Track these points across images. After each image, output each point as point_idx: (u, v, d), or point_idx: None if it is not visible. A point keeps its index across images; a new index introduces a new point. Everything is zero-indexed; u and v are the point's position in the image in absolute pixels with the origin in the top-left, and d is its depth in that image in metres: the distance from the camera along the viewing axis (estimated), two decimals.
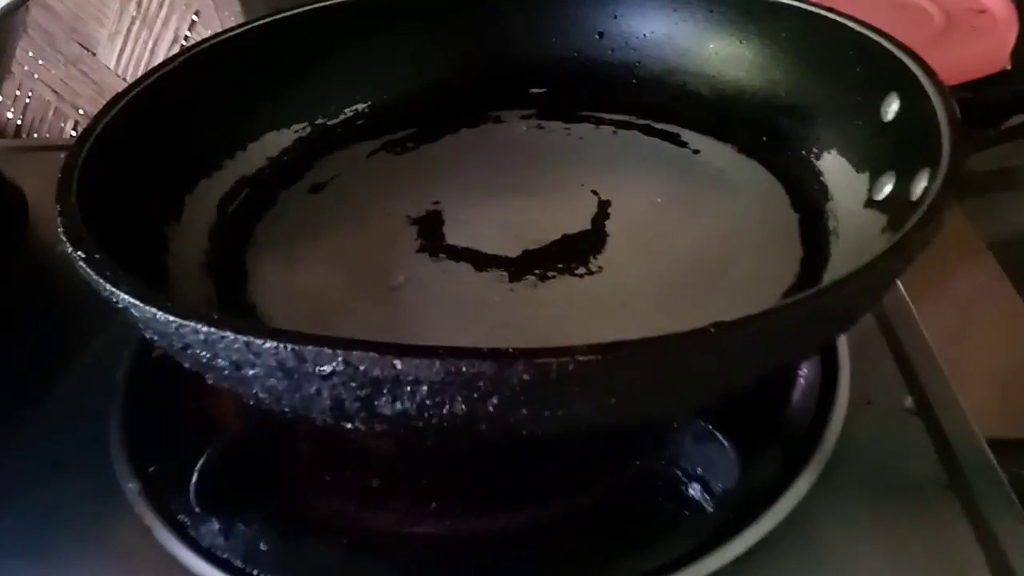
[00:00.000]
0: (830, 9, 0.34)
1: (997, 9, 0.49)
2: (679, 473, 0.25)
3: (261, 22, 0.37)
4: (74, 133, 0.74)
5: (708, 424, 0.23)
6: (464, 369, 0.17)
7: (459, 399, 0.18)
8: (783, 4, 0.36)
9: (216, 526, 0.25)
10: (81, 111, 0.72)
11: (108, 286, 0.20)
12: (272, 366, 0.18)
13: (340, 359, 0.17)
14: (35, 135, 0.75)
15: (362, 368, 0.17)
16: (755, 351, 0.19)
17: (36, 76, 0.71)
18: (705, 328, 0.18)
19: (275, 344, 0.18)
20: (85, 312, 0.35)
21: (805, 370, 0.29)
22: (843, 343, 0.30)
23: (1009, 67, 0.47)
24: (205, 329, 0.18)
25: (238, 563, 0.24)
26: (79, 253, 0.21)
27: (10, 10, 0.34)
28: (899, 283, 0.35)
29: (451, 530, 0.25)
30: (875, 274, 0.19)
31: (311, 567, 0.24)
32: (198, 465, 0.23)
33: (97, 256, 0.21)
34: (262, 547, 0.24)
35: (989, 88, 0.27)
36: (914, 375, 0.29)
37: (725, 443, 0.23)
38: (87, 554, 0.26)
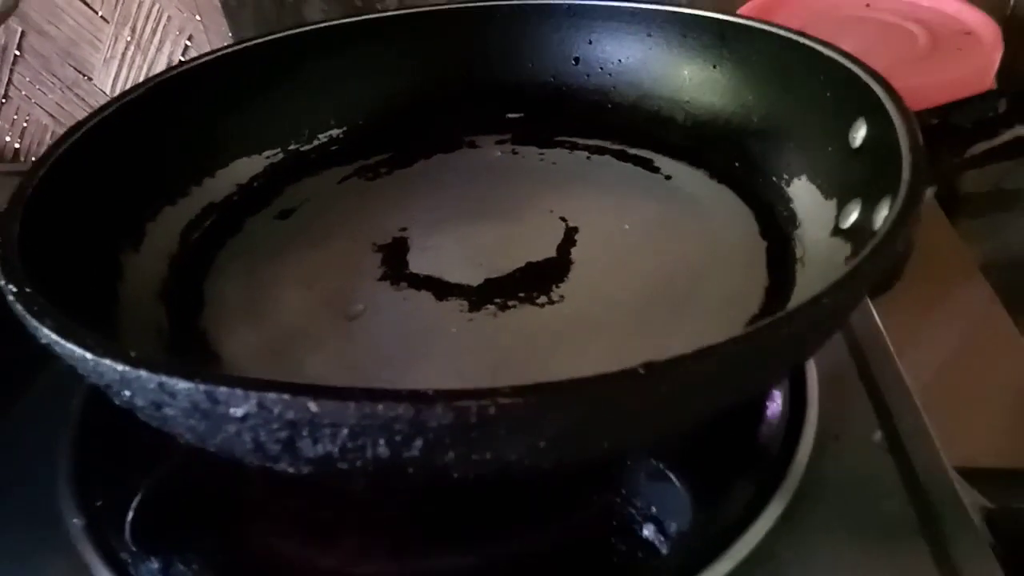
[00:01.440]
0: (801, 33, 0.33)
1: (982, 30, 0.48)
2: (634, 512, 0.24)
3: (233, 48, 0.37)
4: None
5: (660, 463, 0.23)
6: (381, 411, 0.16)
7: (381, 442, 0.17)
8: (755, 28, 0.35)
9: (156, 565, 0.24)
10: None
11: (32, 320, 0.20)
12: (187, 407, 0.18)
13: (253, 401, 0.17)
14: (33, 158, 0.75)
15: (276, 411, 0.17)
16: (692, 391, 0.18)
17: (33, 100, 0.71)
18: (634, 369, 0.17)
19: (188, 384, 0.17)
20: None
21: (774, 403, 0.28)
22: (813, 375, 0.29)
23: (995, 87, 0.46)
24: (121, 368, 0.18)
25: None
26: (9, 287, 0.21)
27: None
28: (874, 312, 0.34)
29: (400, 571, 0.24)
30: (822, 309, 0.18)
31: None
32: (133, 502, 0.23)
33: (27, 290, 0.21)
34: None
35: (956, 113, 0.26)
36: (886, 408, 0.28)
37: (676, 483, 0.22)
38: None
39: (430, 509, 0.25)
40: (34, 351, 0.34)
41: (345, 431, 0.17)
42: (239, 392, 0.17)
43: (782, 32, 0.34)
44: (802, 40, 0.33)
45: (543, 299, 0.30)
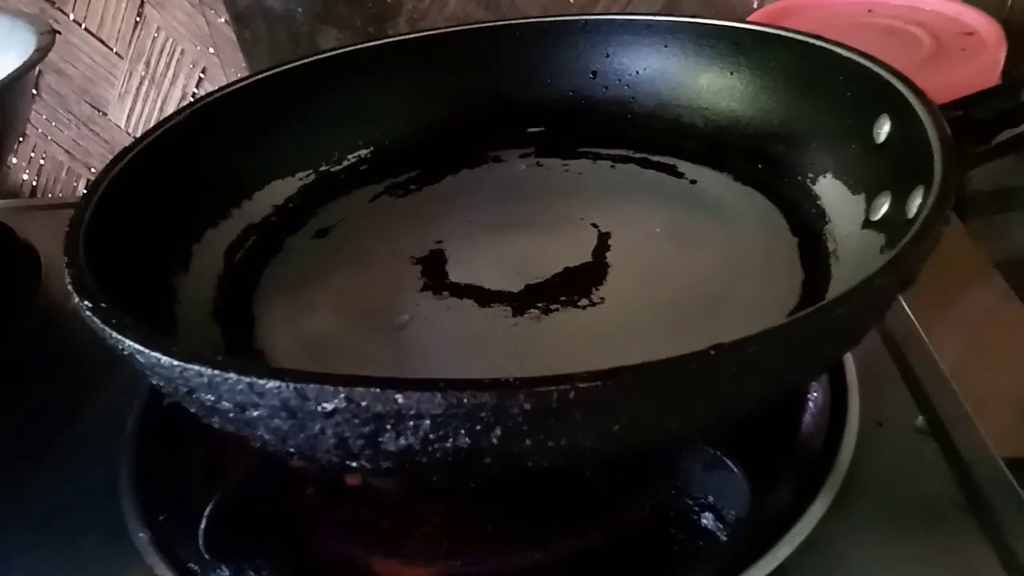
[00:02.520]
0: (816, 36, 0.35)
1: (985, 30, 0.49)
2: (691, 503, 0.25)
3: (263, 75, 0.38)
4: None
5: (717, 451, 0.23)
6: (465, 401, 0.17)
7: (462, 431, 0.18)
8: (770, 34, 0.37)
9: (226, 573, 0.24)
10: (93, 170, 0.74)
11: (113, 333, 0.20)
12: (276, 406, 0.18)
13: (342, 395, 0.17)
14: (49, 195, 0.77)
15: (364, 404, 0.17)
16: (755, 373, 0.19)
17: (49, 137, 0.73)
18: (705, 351, 0.18)
19: (278, 383, 0.18)
20: (95, 364, 0.36)
21: (815, 394, 0.29)
22: (851, 366, 0.30)
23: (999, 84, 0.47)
24: (208, 372, 0.18)
25: None
26: (85, 302, 0.22)
27: (21, 74, 0.35)
28: (905, 304, 0.34)
29: (463, 571, 0.25)
30: (873, 290, 0.19)
31: None
32: (206, 511, 0.23)
33: (103, 305, 0.21)
34: None
35: (978, 106, 0.27)
36: (925, 395, 0.29)
37: (736, 470, 0.23)
38: None
39: (491, 508, 0.26)
40: (84, 374, 0.35)
41: (427, 422, 0.18)
42: (329, 388, 0.17)
43: (797, 36, 0.36)
44: (817, 43, 0.34)
45: (584, 301, 0.30)
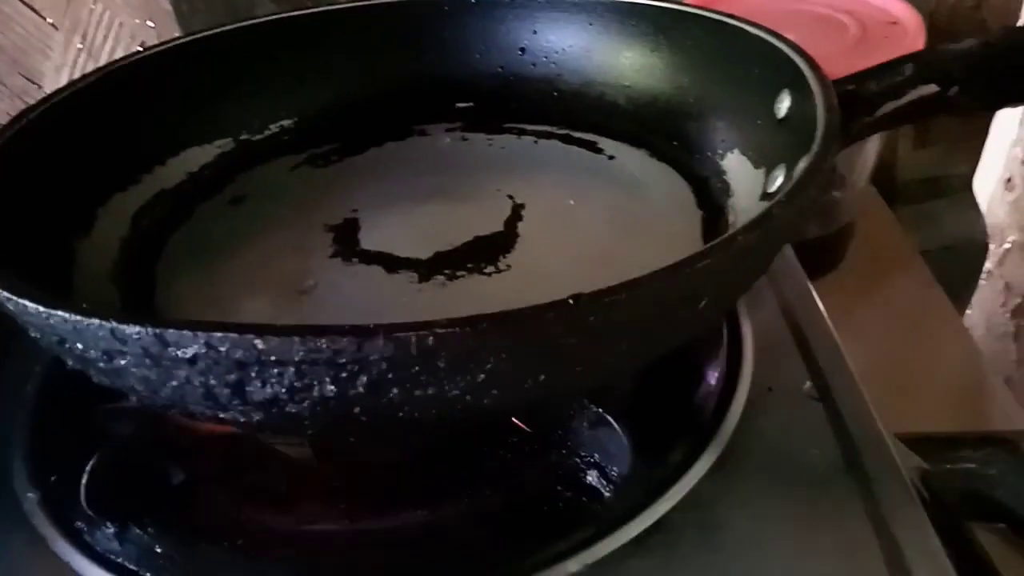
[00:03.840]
0: (729, 15, 0.35)
1: (907, 20, 0.51)
2: (578, 461, 0.25)
3: (185, 39, 0.38)
4: None
5: (600, 409, 0.24)
6: (324, 345, 0.17)
7: (327, 380, 0.18)
8: (689, 13, 0.37)
9: (111, 531, 0.24)
10: None
11: None
12: (138, 353, 0.18)
13: (202, 341, 0.18)
14: None
15: (223, 349, 0.18)
16: (617, 326, 0.19)
17: None
18: (564, 300, 0.18)
19: (138, 329, 0.18)
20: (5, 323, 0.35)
21: (710, 357, 0.30)
22: (748, 333, 0.31)
23: None
24: (72, 318, 0.18)
25: (132, 567, 0.24)
26: None
27: None
28: (807, 281, 0.35)
29: (351, 529, 0.25)
30: (736, 247, 0.20)
31: (207, 570, 0.24)
32: (87, 467, 0.23)
33: None
34: (157, 551, 0.24)
35: (868, 80, 0.28)
36: (816, 363, 0.30)
37: (617, 428, 0.24)
38: None
39: (380, 470, 0.26)
40: None
41: (292, 369, 0.18)
42: (187, 333, 0.18)
43: (711, 15, 0.36)
44: (729, 21, 0.35)
45: (490, 268, 0.31)
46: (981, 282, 0.70)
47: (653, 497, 0.24)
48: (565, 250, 0.32)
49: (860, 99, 0.27)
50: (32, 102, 0.71)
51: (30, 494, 0.26)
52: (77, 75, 0.69)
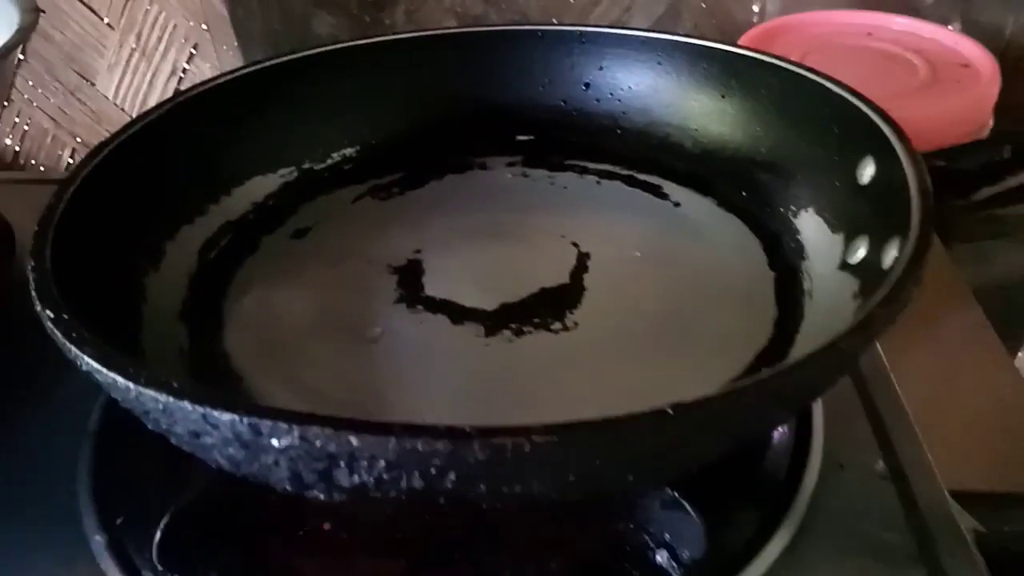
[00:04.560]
0: (809, 68, 0.34)
1: (980, 64, 0.49)
2: (647, 539, 0.25)
3: (250, 69, 0.38)
4: (71, 161, 0.74)
5: (674, 492, 0.23)
6: (420, 447, 0.17)
7: (416, 474, 0.18)
8: (763, 62, 0.36)
9: None
10: (78, 139, 0.73)
11: (73, 348, 0.20)
12: (229, 437, 0.18)
13: (296, 434, 0.17)
14: (32, 161, 0.75)
15: (318, 443, 0.17)
16: (712, 430, 0.19)
17: (35, 104, 0.71)
18: (662, 409, 0.18)
19: (231, 416, 0.18)
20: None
21: (779, 432, 0.29)
22: (818, 406, 0.30)
23: (992, 123, 0.47)
24: (163, 398, 0.18)
25: None
26: (47, 312, 0.21)
27: (1, 55, 0.34)
28: (879, 348, 0.35)
29: None
30: (836, 354, 0.19)
31: None
32: (161, 523, 0.23)
33: (65, 316, 0.21)
34: None
35: (962, 157, 0.27)
36: (887, 439, 0.29)
37: (691, 512, 0.23)
38: None
39: (448, 532, 0.26)
40: (48, 363, 0.34)
41: (382, 463, 0.18)
42: (282, 425, 0.17)
43: (790, 66, 0.35)
44: (808, 75, 0.34)
45: (557, 325, 0.30)
46: None
47: None
48: (633, 309, 0.31)
49: (952, 179, 0.26)
50: (83, 99, 0.72)
51: (97, 537, 0.26)
52: (130, 74, 0.69)
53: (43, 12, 0.39)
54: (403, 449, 0.17)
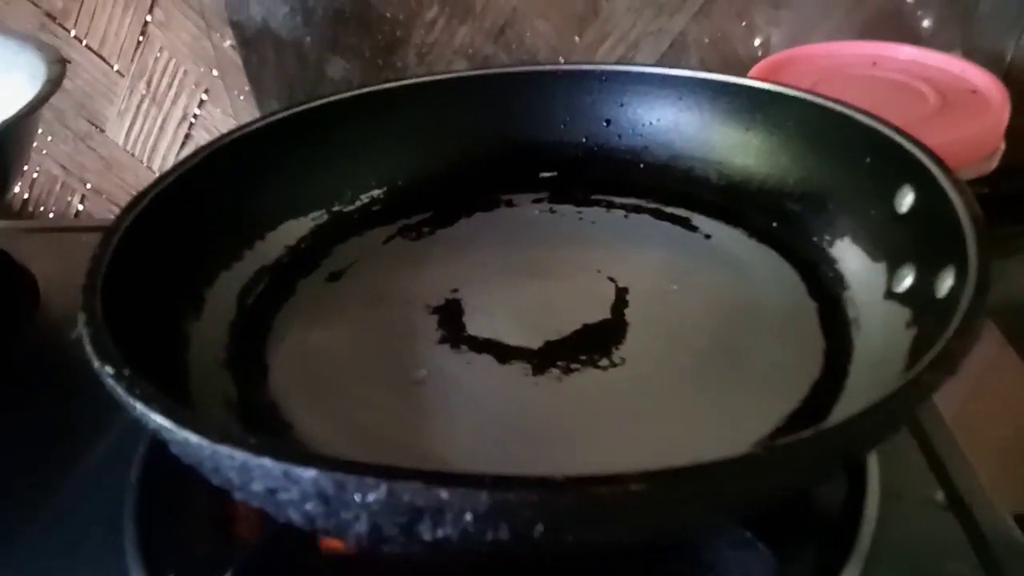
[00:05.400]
0: (837, 101, 0.35)
1: (988, 90, 0.50)
2: None
3: (274, 118, 0.38)
4: (81, 207, 0.74)
5: (748, 533, 0.23)
6: (511, 498, 0.17)
7: (504, 526, 0.18)
8: (788, 96, 0.37)
9: None
10: (88, 185, 0.73)
11: (139, 405, 0.20)
12: (309, 492, 0.18)
13: (383, 488, 0.17)
14: (41, 208, 0.75)
15: (406, 498, 0.17)
16: (802, 469, 0.19)
17: (44, 152, 0.71)
18: (754, 453, 0.17)
19: (315, 472, 0.17)
20: (98, 398, 0.35)
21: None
22: None
23: (1003, 146, 0.48)
24: (241, 455, 0.18)
25: None
26: (107, 369, 0.21)
27: (35, 107, 0.34)
28: None
29: None
30: (917, 389, 0.19)
31: None
32: None
33: (127, 372, 0.21)
34: None
35: (1005, 182, 0.27)
36: (942, 468, 0.29)
37: (764, 549, 0.23)
38: None
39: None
40: (85, 412, 0.34)
41: (469, 515, 0.17)
42: (369, 480, 0.17)
43: (812, 98, 0.36)
44: (832, 106, 0.35)
45: (604, 362, 0.30)
46: None
47: None
48: (678, 342, 0.31)
49: (999, 204, 0.26)
50: (93, 145, 0.72)
51: None
52: (140, 119, 0.70)
53: (69, 62, 0.39)
54: (494, 501, 0.17)
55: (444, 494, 0.17)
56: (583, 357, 0.30)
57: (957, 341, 0.20)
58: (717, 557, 0.24)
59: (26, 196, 0.74)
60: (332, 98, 0.39)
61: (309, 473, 0.17)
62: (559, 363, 0.30)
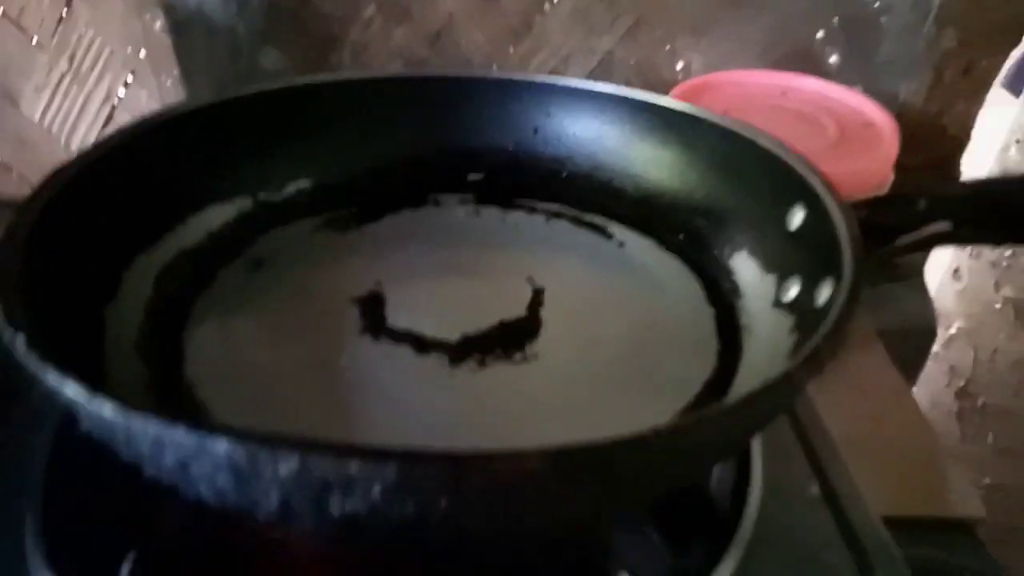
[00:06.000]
0: (743, 124, 0.38)
1: (881, 124, 0.55)
2: (610, 568, 0.26)
3: (206, 103, 0.38)
4: None
5: (638, 521, 0.25)
6: (418, 472, 0.18)
7: (410, 502, 0.19)
8: (698, 117, 0.39)
9: None
10: None
11: (52, 377, 0.20)
12: (222, 465, 0.18)
13: (295, 460, 0.18)
14: None
15: (317, 471, 0.18)
16: (687, 453, 0.20)
17: None
18: (644, 434, 0.19)
19: (228, 443, 0.18)
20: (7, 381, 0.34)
21: (721, 465, 0.31)
22: (755, 437, 0.32)
23: (892, 178, 0.53)
24: (155, 427, 0.18)
25: None
26: (20, 338, 0.21)
27: None
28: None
29: None
30: (789, 383, 0.21)
31: None
32: (126, 564, 0.23)
33: (40, 343, 0.21)
34: None
35: (881, 209, 0.30)
36: (820, 467, 0.32)
37: (653, 535, 0.25)
38: None
39: (423, 567, 0.26)
40: None
41: (377, 489, 0.18)
42: (284, 451, 0.18)
43: (723, 123, 0.38)
44: (739, 131, 0.37)
45: (519, 356, 0.32)
46: (928, 363, 0.75)
47: None
48: (588, 341, 0.33)
49: (875, 228, 0.29)
50: (5, 120, 0.69)
51: None
52: (59, 97, 0.67)
53: None
54: (402, 475, 0.18)
55: (354, 466, 0.18)
56: (499, 351, 0.32)
57: (827, 342, 0.22)
58: (612, 545, 0.26)
59: None
60: (264, 87, 0.40)
61: (222, 444, 0.18)
62: (475, 355, 0.31)
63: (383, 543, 0.21)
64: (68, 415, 0.28)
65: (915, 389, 0.77)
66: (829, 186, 0.31)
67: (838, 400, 0.58)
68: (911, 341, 0.73)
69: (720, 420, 0.19)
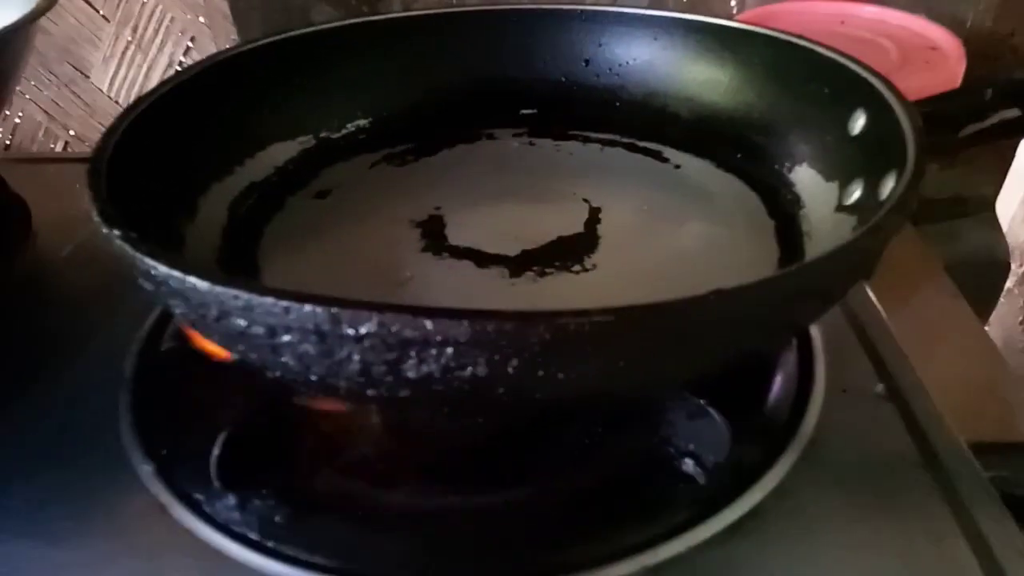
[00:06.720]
0: (800, 36, 0.37)
1: (946, 46, 0.53)
2: (672, 450, 0.27)
3: (269, 40, 0.39)
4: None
5: (702, 401, 0.25)
6: (490, 329, 0.19)
7: (482, 360, 0.20)
8: (755, 33, 0.39)
9: (231, 502, 0.26)
10: (72, 132, 0.73)
11: (146, 259, 0.21)
12: (308, 329, 0.20)
13: (375, 319, 0.19)
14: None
15: (394, 329, 0.19)
16: (748, 319, 0.21)
17: (27, 96, 0.72)
18: (706, 295, 0.20)
19: (313, 307, 0.19)
20: (89, 314, 0.37)
21: (785, 362, 0.31)
22: (818, 338, 0.32)
23: None
24: (245, 295, 0.20)
25: (254, 536, 0.25)
26: (115, 231, 0.23)
27: (28, 21, 0.35)
28: (868, 290, 0.37)
29: (457, 505, 0.26)
30: (856, 251, 0.21)
31: (323, 539, 0.25)
32: (218, 441, 0.24)
33: (133, 234, 0.22)
34: (276, 520, 0.25)
35: (945, 103, 0.30)
36: (884, 366, 0.32)
37: (717, 418, 0.25)
38: (97, 531, 0.26)
39: (479, 451, 0.27)
40: (77, 323, 0.35)
41: (450, 350, 0.19)
42: (363, 312, 0.19)
43: (781, 35, 0.38)
44: (800, 42, 0.37)
45: (577, 267, 0.32)
46: (1001, 300, 0.72)
47: (746, 485, 0.26)
48: (646, 253, 0.33)
49: (940, 120, 0.29)
50: (77, 91, 0.73)
51: (145, 466, 0.27)
52: (125, 67, 0.70)
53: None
54: (474, 331, 0.19)
55: (429, 324, 0.19)
56: (557, 263, 0.32)
57: (894, 213, 0.22)
58: (675, 430, 0.27)
59: (8, 142, 0.74)
60: (321, 27, 0.41)
61: (307, 308, 0.19)
62: (534, 268, 0.32)
63: (455, 409, 0.22)
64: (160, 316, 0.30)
65: (987, 327, 0.75)
66: (890, 85, 0.31)
67: (906, 335, 0.57)
68: (983, 277, 0.70)
69: (771, 286, 0.20)
